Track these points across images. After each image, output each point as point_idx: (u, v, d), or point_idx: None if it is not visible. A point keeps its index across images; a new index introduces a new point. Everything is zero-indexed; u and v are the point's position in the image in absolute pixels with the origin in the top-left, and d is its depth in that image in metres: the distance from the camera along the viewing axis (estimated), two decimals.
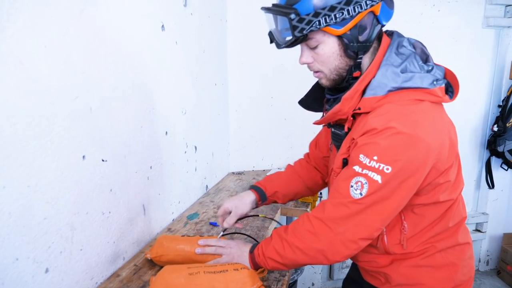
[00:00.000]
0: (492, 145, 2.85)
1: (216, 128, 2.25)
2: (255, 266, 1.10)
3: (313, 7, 0.87)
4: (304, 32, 0.89)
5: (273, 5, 0.94)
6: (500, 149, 2.80)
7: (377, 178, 0.88)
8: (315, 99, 1.17)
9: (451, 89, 1.02)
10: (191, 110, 1.83)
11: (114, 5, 1.17)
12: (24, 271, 0.88)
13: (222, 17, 2.25)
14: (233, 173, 2.51)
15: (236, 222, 1.24)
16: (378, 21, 0.93)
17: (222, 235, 1.27)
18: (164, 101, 1.55)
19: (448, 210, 1.03)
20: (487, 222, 3.06)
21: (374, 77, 0.95)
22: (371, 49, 0.98)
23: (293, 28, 0.89)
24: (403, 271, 1.05)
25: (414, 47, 0.99)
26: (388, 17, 0.95)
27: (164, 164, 1.56)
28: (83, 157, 1.06)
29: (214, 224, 1.60)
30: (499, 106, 2.86)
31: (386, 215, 0.93)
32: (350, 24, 0.89)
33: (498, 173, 2.97)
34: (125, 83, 1.26)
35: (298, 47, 0.99)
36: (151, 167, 1.45)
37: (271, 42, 1.00)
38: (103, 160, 1.15)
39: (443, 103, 1.00)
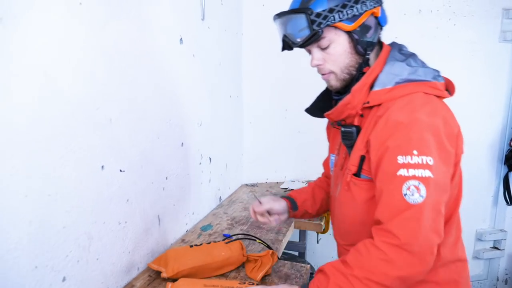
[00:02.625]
0: (510, 160, 2.80)
1: (230, 140, 2.26)
2: None
3: (327, 4, 0.95)
4: (322, 26, 0.95)
5: (289, 9, 1.00)
6: None
7: (427, 173, 0.86)
8: (320, 108, 1.18)
9: (448, 91, 1.05)
10: (207, 122, 1.84)
11: (134, 19, 1.20)
12: (42, 280, 0.89)
13: (238, 30, 2.28)
14: (246, 185, 2.51)
15: (265, 215, 1.26)
16: (379, 23, 1.02)
17: (227, 240, 1.28)
18: (181, 113, 1.57)
19: (451, 220, 1.00)
20: (505, 239, 2.98)
21: (381, 71, 1.00)
22: (375, 50, 1.04)
23: (311, 22, 0.95)
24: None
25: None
26: (386, 21, 1.04)
27: (179, 175, 1.57)
28: (102, 167, 1.08)
29: (227, 236, 1.60)
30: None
31: (443, 208, 0.90)
32: (359, 21, 0.96)
33: None
34: (144, 95, 1.28)
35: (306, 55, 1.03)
36: (166, 177, 1.47)
37: (283, 48, 1.05)
38: (121, 170, 1.16)
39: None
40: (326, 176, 1.42)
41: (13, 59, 0.79)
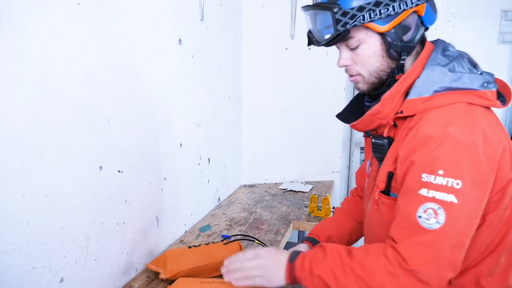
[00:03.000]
0: None
1: (229, 141, 2.26)
2: (292, 279, 0.90)
3: (357, 1, 0.84)
4: (348, 26, 0.85)
5: (314, 3, 0.90)
6: None
7: (451, 198, 0.77)
8: (353, 112, 1.07)
9: (502, 98, 0.93)
10: (206, 122, 1.84)
11: (133, 20, 1.20)
12: (40, 280, 0.89)
13: (237, 31, 2.28)
14: (245, 185, 2.51)
15: None
16: (422, 23, 0.90)
17: (226, 241, 1.27)
18: (180, 114, 1.57)
19: (504, 239, 0.87)
20: None
21: (418, 77, 0.88)
22: (414, 53, 0.93)
23: (336, 21, 0.85)
24: None
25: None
26: (432, 20, 0.91)
27: (178, 175, 1.57)
28: (100, 167, 1.08)
29: (226, 237, 1.60)
30: None
31: (467, 243, 0.79)
32: (394, 22, 0.85)
33: None
34: (142, 96, 1.28)
35: (336, 51, 0.96)
36: (165, 178, 1.46)
37: (309, 43, 0.96)
38: (119, 171, 1.16)
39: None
40: (358, 191, 1.29)
41: (11, 59, 0.79)
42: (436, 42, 0.96)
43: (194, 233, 1.66)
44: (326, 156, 2.59)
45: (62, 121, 0.93)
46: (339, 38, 0.88)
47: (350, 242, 1.22)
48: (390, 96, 0.90)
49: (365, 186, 1.12)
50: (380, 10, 0.83)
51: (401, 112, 0.89)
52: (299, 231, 2.11)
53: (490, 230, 0.86)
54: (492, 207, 0.84)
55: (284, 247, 1.78)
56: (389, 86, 0.92)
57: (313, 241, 1.18)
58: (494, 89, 0.88)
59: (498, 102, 0.88)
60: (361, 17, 0.84)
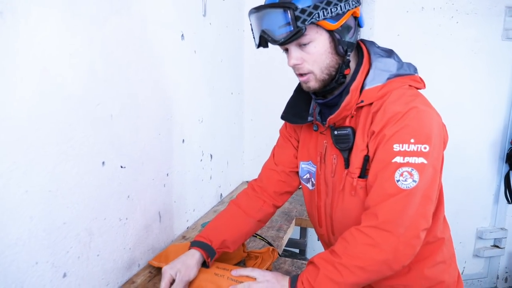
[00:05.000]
0: None
1: (231, 137, 2.26)
2: None
3: (311, 0, 0.89)
4: (306, 23, 0.89)
5: (272, 3, 0.92)
6: None
7: (421, 160, 0.87)
8: (295, 113, 1.13)
9: None
10: (208, 118, 1.84)
11: (136, 15, 1.20)
12: (43, 275, 0.89)
13: (239, 27, 2.27)
14: (247, 181, 2.51)
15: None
16: (359, 24, 0.99)
17: None
18: (182, 109, 1.56)
19: (440, 200, 1.04)
20: (506, 237, 2.98)
21: (369, 69, 0.98)
22: (354, 50, 1.02)
23: (296, 18, 0.88)
24: (427, 274, 1.02)
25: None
26: (363, 22, 1.01)
27: (180, 171, 1.57)
28: (103, 163, 1.07)
29: None
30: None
31: (435, 195, 0.92)
32: (341, 20, 0.92)
33: None
34: (145, 91, 1.27)
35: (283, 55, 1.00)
36: (167, 174, 1.46)
37: (259, 45, 1.00)
38: (121, 167, 1.16)
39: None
40: (260, 185, 1.26)
41: (13, 54, 0.79)
42: (363, 41, 1.06)
43: (196, 229, 1.66)
44: None
45: (65, 117, 0.93)
46: (296, 36, 0.91)
47: (240, 244, 1.22)
48: (356, 88, 0.98)
49: (315, 186, 1.13)
50: (331, 9, 0.90)
51: (362, 102, 0.97)
52: (301, 227, 2.11)
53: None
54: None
55: (286, 244, 1.78)
56: (337, 81, 0.99)
57: (203, 246, 1.12)
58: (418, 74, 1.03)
59: (424, 84, 1.03)
60: (317, 14, 0.89)
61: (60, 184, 0.92)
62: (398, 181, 0.88)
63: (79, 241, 1.00)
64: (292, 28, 0.90)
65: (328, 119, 1.01)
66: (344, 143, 1.01)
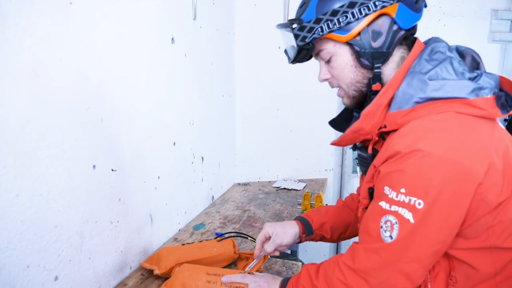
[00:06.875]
0: None
1: (223, 139, 2.27)
2: None
3: (315, 14, 0.83)
4: (307, 40, 0.83)
5: (279, 23, 0.91)
6: None
7: (409, 216, 0.73)
8: (346, 118, 1.04)
9: (510, 102, 0.81)
10: (199, 121, 1.85)
11: (126, 18, 1.21)
12: (34, 279, 0.89)
13: (230, 30, 2.29)
14: (239, 184, 2.52)
15: (275, 251, 1.13)
16: (398, 26, 0.83)
17: (219, 238, 1.32)
18: (173, 112, 1.57)
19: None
20: None
21: (398, 87, 0.82)
22: (397, 59, 0.87)
23: (295, 37, 0.83)
24: None
25: (461, 54, 0.88)
26: (411, 21, 0.84)
27: (171, 174, 1.58)
28: (94, 166, 1.08)
29: (219, 235, 1.60)
30: (505, 120, 2.85)
31: (426, 259, 0.77)
32: (357, 28, 0.82)
33: None
34: (135, 94, 1.28)
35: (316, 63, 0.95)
36: (159, 177, 1.47)
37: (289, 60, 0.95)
38: (112, 170, 1.17)
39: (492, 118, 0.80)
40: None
41: (3, 59, 0.79)
42: (428, 41, 0.88)
43: (188, 231, 1.67)
44: (319, 154, 2.60)
45: (55, 120, 0.93)
46: (303, 53, 0.86)
47: (344, 235, 1.20)
48: (370, 112, 0.85)
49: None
50: (338, 19, 0.81)
51: (385, 127, 0.83)
52: None
53: (503, 252, 0.80)
54: (499, 229, 0.78)
55: None
56: (370, 98, 0.87)
57: (304, 222, 1.17)
58: (490, 96, 0.77)
59: (496, 110, 0.77)
60: (319, 29, 0.82)
61: (51, 187, 0.93)
62: (381, 227, 0.77)
63: (70, 244, 1.00)
64: (296, 47, 0.85)
65: (331, 143, 0.96)
66: (364, 167, 0.94)
